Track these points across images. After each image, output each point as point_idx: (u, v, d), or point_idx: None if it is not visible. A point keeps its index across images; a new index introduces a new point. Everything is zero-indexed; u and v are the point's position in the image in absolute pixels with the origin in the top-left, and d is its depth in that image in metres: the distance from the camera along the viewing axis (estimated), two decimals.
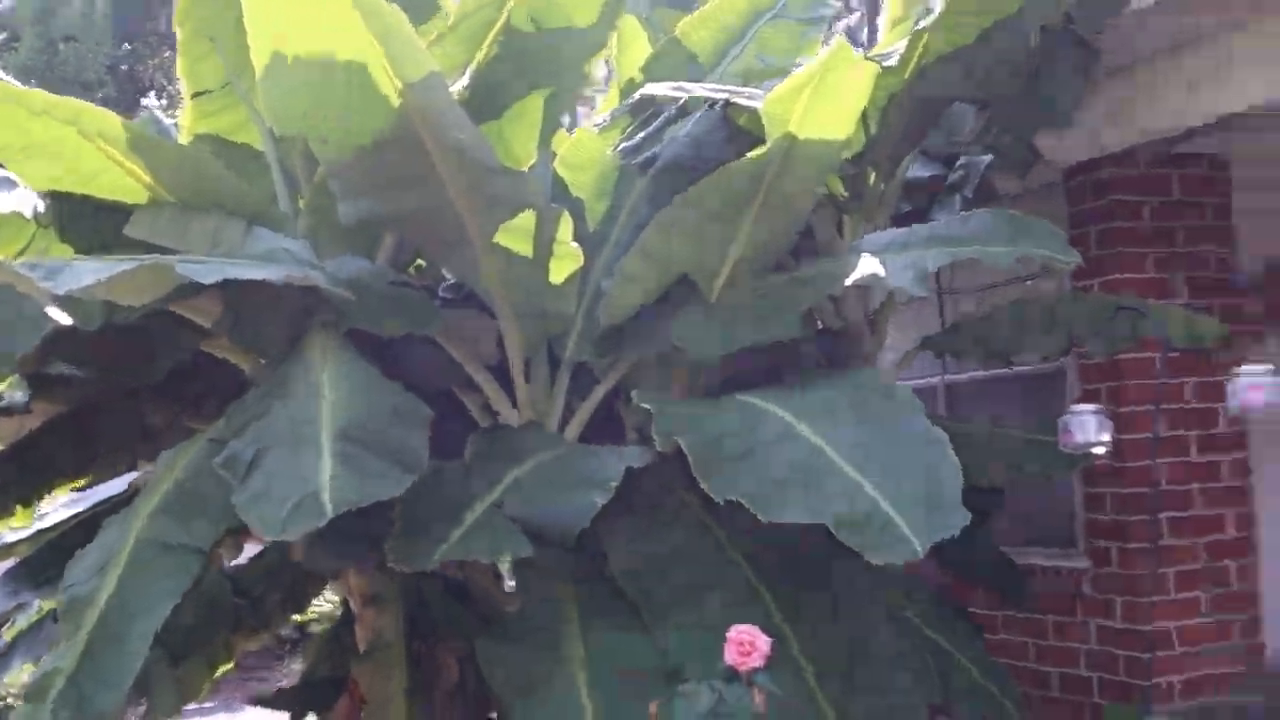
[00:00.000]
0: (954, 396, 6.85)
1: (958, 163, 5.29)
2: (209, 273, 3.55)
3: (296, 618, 7.83)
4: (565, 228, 4.02)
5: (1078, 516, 6.06)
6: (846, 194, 4.92)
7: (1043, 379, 6.16)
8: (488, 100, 4.06)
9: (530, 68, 4.04)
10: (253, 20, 3.53)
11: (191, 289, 3.68)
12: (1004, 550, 5.53)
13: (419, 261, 4.95)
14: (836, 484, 3.46)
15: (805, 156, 3.91)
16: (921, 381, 6.79)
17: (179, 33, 4.60)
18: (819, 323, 5.05)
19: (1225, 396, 4.44)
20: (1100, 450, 4.43)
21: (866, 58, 4.05)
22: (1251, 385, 4.12)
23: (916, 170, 5.26)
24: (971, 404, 6.73)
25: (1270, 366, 4.23)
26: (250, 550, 5.11)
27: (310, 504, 3.27)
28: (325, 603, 8.39)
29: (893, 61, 4.30)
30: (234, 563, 5.13)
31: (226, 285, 3.73)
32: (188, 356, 4.55)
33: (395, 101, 3.60)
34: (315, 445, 3.46)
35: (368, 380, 3.81)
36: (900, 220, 5.08)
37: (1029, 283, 5.96)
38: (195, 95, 4.65)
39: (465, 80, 4.02)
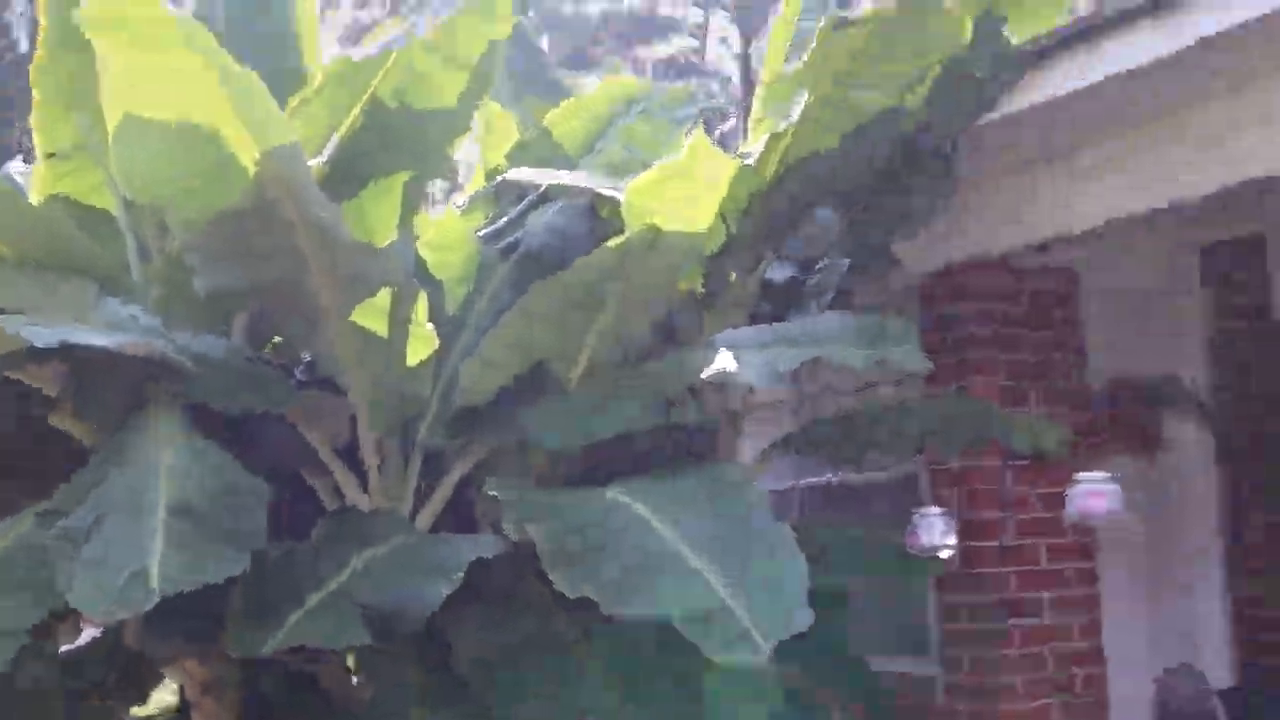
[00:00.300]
0: (813, 501, 6.90)
1: (818, 265, 5.38)
2: (48, 336, 3.43)
3: (139, 710, 7.49)
4: (421, 309, 3.99)
5: (932, 623, 6.11)
6: (706, 290, 4.98)
7: (899, 485, 6.23)
8: (350, 174, 4.03)
9: (394, 144, 4.02)
10: (107, 81, 3.46)
11: (35, 354, 3.55)
12: (864, 659, 5.53)
13: (276, 340, 4.86)
14: (685, 579, 3.43)
15: (665, 248, 3.95)
16: (781, 485, 6.83)
17: (35, 93, 4.49)
18: (678, 416, 5.06)
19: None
20: (946, 553, 4.48)
21: (729, 155, 4.13)
22: (1091, 492, 4.21)
23: (777, 271, 5.35)
24: (830, 509, 6.78)
25: (1109, 474, 4.33)
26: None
27: (139, 584, 3.14)
28: (171, 695, 8.08)
29: (752, 161, 4.38)
30: (71, 646, 4.91)
31: (70, 353, 3.61)
32: (32, 429, 4.37)
33: (253, 170, 3.55)
34: (148, 523, 3.33)
35: (208, 457, 3.70)
36: (760, 320, 5.14)
37: (895, 387, 6.06)
38: (49, 156, 4.54)
39: (327, 152, 3.99)
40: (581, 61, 20.83)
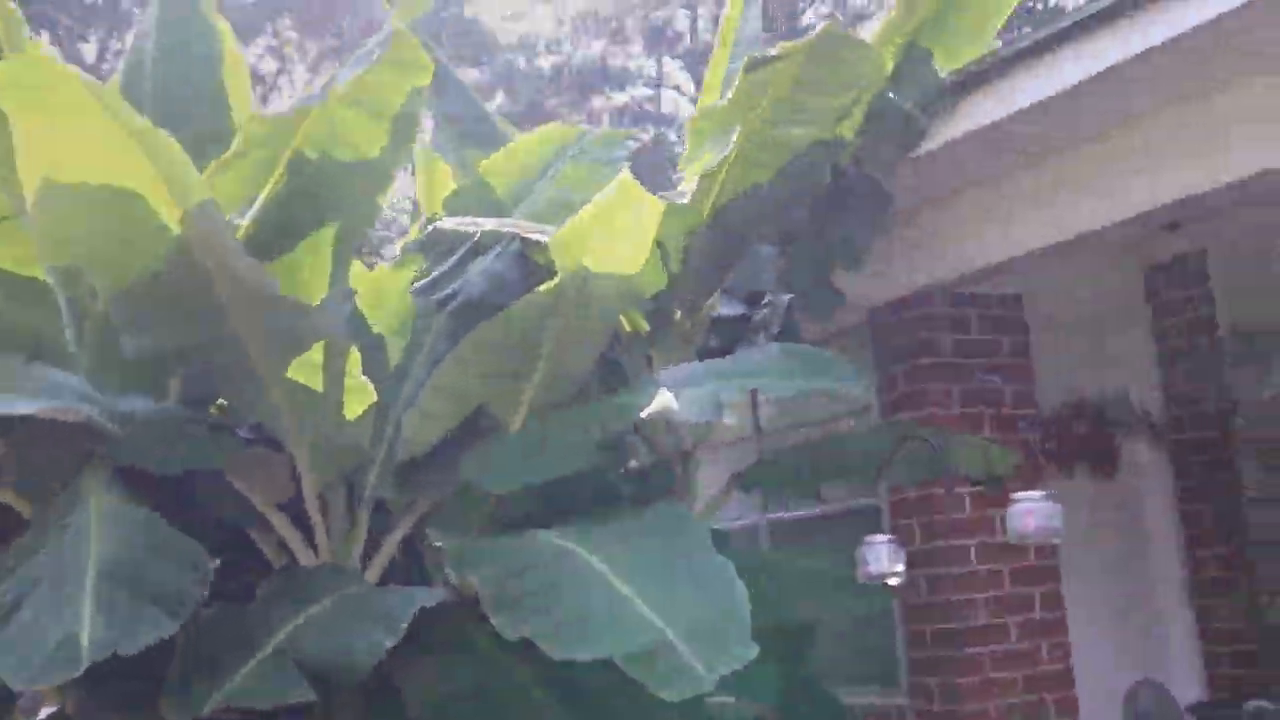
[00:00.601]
0: (776, 536, 6.88)
1: (763, 301, 5.40)
2: None
3: None
4: (354, 362, 3.98)
5: (899, 653, 6.09)
6: (651, 328, 4.98)
7: (861, 516, 6.23)
8: (279, 231, 4.02)
9: (320, 198, 4.01)
10: (22, 146, 3.45)
11: None
12: (832, 691, 5.49)
13: (221, 401, 4.82)
14: (629, 619, 3.40)
15: (597, 289, 3.95)
16: (744, 521, 6.81)
17: None
18: (629, 457, 5.04)
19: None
20: (895, 580, 4.48)
21: (659, 195, 4.14)
22: (1025, 510, 4.23)
23: (725, 308, 5.36)
24: (793, 543, 6.76)
25: (1044, 493, 4.35)
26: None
27: (67, 650, 3.10)
28: None
29: (686, 200, 4.40)
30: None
31: (4, 425, 3.58)
32: None
33: (175, 230, 3.54)
34: (78, 589, 3.28)
35: (140, 521, 3.66)
36: (709, 356, 5.13)
37: (853, 419, 6.07)
38: None
39: (254, 211, 3.99)
40: (537, 114, 20.95)
